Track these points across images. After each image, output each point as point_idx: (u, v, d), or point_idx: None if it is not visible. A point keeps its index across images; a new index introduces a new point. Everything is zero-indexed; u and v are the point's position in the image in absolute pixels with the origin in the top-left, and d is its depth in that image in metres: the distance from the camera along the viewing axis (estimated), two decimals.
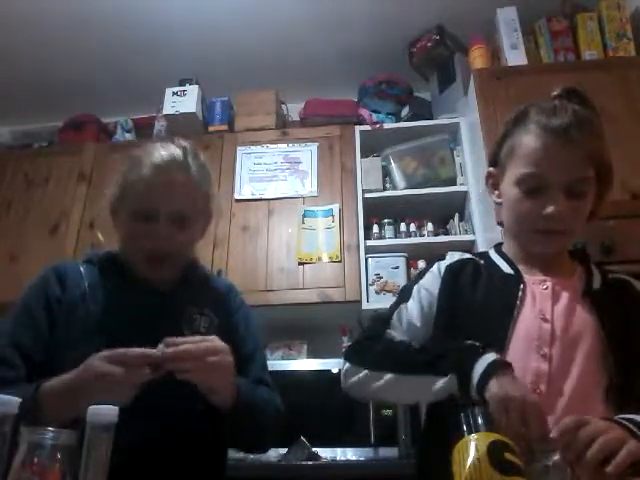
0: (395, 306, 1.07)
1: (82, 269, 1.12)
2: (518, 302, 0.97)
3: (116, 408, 0.68)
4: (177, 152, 1.11)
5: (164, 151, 1.10)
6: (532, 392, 0.86)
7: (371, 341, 1.02)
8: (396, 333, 1.02)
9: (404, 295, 1.08)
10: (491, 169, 1.09)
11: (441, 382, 0.86)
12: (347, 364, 1.02)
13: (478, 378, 0.82)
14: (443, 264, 1.09)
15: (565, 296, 0.98)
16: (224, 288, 1.25)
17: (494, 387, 0.79)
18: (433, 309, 1.04)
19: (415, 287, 1.07)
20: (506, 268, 1.04)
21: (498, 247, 1.12)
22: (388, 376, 0.94)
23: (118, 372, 0.84)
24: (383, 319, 1.06)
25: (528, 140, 0.97)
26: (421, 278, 1.09)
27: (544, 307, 0.96)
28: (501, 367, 0.82)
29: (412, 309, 1.04)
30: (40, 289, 1.08)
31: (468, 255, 1.12)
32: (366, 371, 0.97)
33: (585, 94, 1.02)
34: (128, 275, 1.12)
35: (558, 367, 0.91)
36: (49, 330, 1.03)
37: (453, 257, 1.11)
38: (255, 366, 1.18)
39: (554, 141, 0.94)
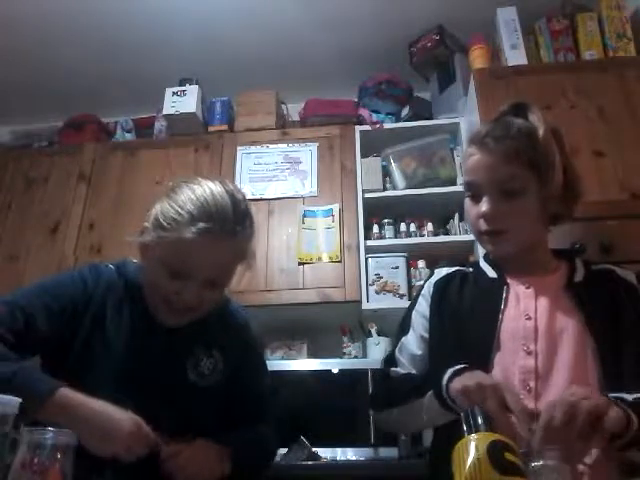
0: (397, 341, 1.15)
1: (115, 280, 1.10)
2: (502, 304, 1.02)
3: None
4: (227, 212, 0.98)
5: (214, 208, 0.98)
6: (521, 388, 0.93)
7: (380, 384, 1.16)
8: (402, 369, 1.11)
9: (403, 327, 1.16)
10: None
11: (426, 401, 0.94)
12: (372, 411, 1.17)
13: (445, 385, 0.89)
14: (432, 282, 1.16)
15: (547, 293, 1.02)
16: (237, 324, 1.21)
17: (454, 384, 0.87)
18: (429, 333, 1.11)
19: (412, 315, 1.15)
20: (491, 273, 1.11)
21: (487, 255, 1.16)
22: (395, 411, 1.04)
23: (140, 449, 0.87)
24: (388, 359, 1.15)
25: (465, 153, 1.09)
26: (416, 303, 1.17)
27: (527, 306, 1.01)
28: (463, 370, 0.90)
29: (411, 341, 1.12)
30: (79, 287, 1.06)
31: (455, 268, 1.18)
32: (383, 413, 1.10)
33: (529, 106, 1.09)
34: (141, 306, 1.09)
35: (544, 362, 0.95)
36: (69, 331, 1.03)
37: (440, 273, 1.18)
38: (257, 407, 1.19)
39: (477, 149, 1.04)
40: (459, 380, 0.87)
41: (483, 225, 1.03)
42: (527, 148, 1.01)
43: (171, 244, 0.97)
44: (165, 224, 0.98)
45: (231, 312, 1.21)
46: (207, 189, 1.00)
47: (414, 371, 1.09)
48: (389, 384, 1.11)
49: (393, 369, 1.11)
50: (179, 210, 0.98)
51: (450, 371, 0.91)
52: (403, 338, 1.13)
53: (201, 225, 0.95)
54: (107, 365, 1.02)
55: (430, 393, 0.93)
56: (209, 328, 1.13)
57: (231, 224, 0.99)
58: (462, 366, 0.91)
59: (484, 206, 1.02)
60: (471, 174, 1.05)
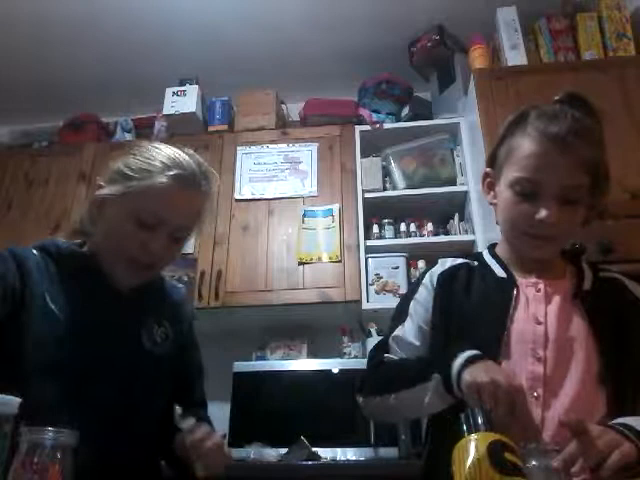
0: (392, 329, 1.08)
1: (39, 260, 1.02)
2: (512, 306, 0.97)
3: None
4: (195, 166, 1.05)
5: (184, 162, 1.04)
6: (528, 395, 0.88)
7: (373, 370, 1.06)
8: (396, 356, 1.05)
9: (400, 316, 1.09)
10: (488, 170, 1.08)
11: (430, 386, 0.89)
12: (360, 398, 1.05)
13: (456, 372, 0.85)
14: (435, 273, 1.09)
15: (557, 298, 0.98)
16: (180, 299, 1.23)
17: (466, 376, 0.83)
18: (429, 326, 1.05)
19: (410, 305, 1.08)
20: (499, 271, 1.05)
21: (492, 248, 1.12)
22: (392, 397, 0.97)
23: None
24: (382, 346, 1.08)
25: (525, 144, 0.97)
26: (415, 293, 1.10)
27: (537, 310, 0.97)
28: (477, 358, 0.85)
29: (409, 330, 1.06)
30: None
31: (460, 260, 1.11)
32: (375, 399, 1.02)
33: (587, 100, 1.01)
34: (90, 276, 1.05)
35: (553, 369, 0.91)
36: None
37: (445, 264, 1.11)
38: (200, 384, 1.21)
39: (551, 147, 0.93)
40: (471, 372, 0.82)
41: (539, 229, 0.95)
42: (598, 158, 0.96)
43: (142, 192, 1.00)
44: (134, 175, 1.01)
45: (170, 287, 1.22)
46: (171, 149, 1.06)
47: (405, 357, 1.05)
48: (386, 369, 1.04)
49: (387, 355, 1.05)
50: (149, 161, 1.02)
51: (463, 357, 0.86)
52: (399, 327, 1.07)
53: (175, 171, 1.00)
54: (52, 330, 0.96)
55: (437, 377, 0.88)
56: (154, 298, 1.14)
57: (200, 176, 1.05)
58: (475, 353, 0.86)
59: (547, 211, 0.93)
60: (539, 172, 0.94)
